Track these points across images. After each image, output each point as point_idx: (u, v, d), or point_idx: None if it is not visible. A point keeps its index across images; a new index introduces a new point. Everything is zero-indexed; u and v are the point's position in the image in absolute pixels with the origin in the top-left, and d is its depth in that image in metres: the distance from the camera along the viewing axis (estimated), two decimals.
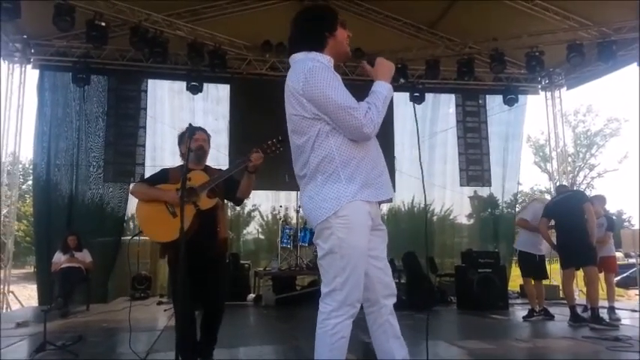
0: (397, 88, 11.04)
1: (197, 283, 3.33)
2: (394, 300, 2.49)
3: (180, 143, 3.60)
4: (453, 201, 11.01)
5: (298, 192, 10.26)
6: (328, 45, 2.42)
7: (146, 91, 9.53)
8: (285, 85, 2.39)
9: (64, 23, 7.60)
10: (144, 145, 9.32)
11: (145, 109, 9.45)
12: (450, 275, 8.80)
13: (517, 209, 11.07)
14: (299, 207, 9.39)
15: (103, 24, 8.01)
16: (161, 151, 9.47)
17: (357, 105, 2.28)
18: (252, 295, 8.63)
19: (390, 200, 2.68)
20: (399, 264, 8.76)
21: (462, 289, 7.93)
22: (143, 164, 9.20)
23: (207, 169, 3.54)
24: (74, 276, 7.46)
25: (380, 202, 2.43)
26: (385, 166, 2.44)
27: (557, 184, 9.96)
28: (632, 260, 12.73)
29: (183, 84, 9.44)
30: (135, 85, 9.48)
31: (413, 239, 10.60)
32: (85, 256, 7.79)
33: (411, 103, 10.19)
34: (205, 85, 9.58)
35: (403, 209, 11.21)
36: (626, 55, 8.65)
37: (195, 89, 9.41)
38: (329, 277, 2.29)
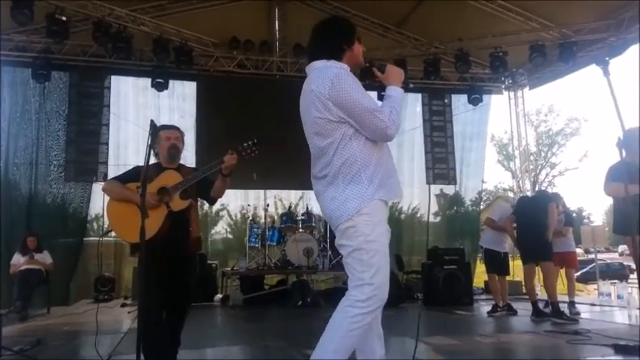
0: (365, 87, 11.17)
1: (165, 284, 3.26)
2: None
3: (153, 142, 3.51)
4: (420, 199, 11.16)
5: (267, 190, 10.21)
6: (345, 56, 2.56)
7: (109, 88, 9.30)
8: (307, 91, 2.47)
9: (22, 17, 7.36)
10: (107, 143, 9.09)
11: (109, 106, 9.22)
12: (416, 272, 8.91)
13: (481, 207, 11.30)
14: (267, 206, 9.37)
15: (64, 18, 7.79)
16: (125, 149, 9.26)
17: (381, 108, 2.40)
18: (219, 296, 8.54)
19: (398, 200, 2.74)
20: None
21: (428, 286, 8.03)
22: (106, 163, 8.97)
23: (181, 168, 3.47)
24: (34, 278, 7.24)
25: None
26: (395, 168, 2.60)
27: (537, 188, 10.17)
28: (592, 256, 13.17)
29: (148, 80, 9.25)
30: (98, 82, 9.23)
31: None
32: (45, 258, 7.56)
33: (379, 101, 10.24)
34: (171, 82, 9.41)
35: None
36: (586, 56, 8.91)
37: (160, 86, 9.23)
38: (356, 274, 2.36)
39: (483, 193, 12.70)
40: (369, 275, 2.33)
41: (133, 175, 3.41)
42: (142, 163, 3.60)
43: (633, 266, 7.38)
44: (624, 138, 2.56)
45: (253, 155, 3.32)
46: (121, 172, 3.60)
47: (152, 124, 2.98)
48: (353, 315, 2.31)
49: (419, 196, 11.09)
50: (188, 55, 8.95)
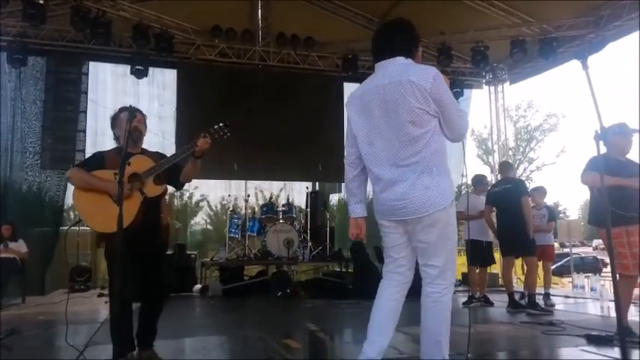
0: (348, 79, 11.16)
1: (139, 272, 3.22)
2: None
3: (113, 126, 3.40)
4: None
5: (248, 181, 10.14)
6: (415, 57, 2.72)
7: (87, 74, 9.12)
8: (404, 81, 2.52)
9: None
10: (84, 131, 8.93)
11: (86, 92, 9.05)
12: None
13: None
14: (248, 196, 9.31)
15: (41, 1, 7.62)
16: (102, 137, 9.06)
17: (463, 110, 2.71)
18: (198, 286, 8.48)
19: None
20: (347, 253, 8.88)
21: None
22: (83, 150, 8.81)
23: (144, 153, 3.37)
24: (8, 267, 7.14)
25: None
26: None
27: (503, 159, 10.23)
28: (567, 250, 13.44)
29: (127, 67, 9.09)
30: (75, 68, 9.04)
31: None
32: (20, 247, 7.44)
33: None
34: (151, 69, 9.26)
35: None
36: (565, 52, 9.02)
37: (139, 73, 9.07)
38: (441, 260, 2.62)
39: (463, 187, 12.82)
40: (452, 263, 2.67)
41: (97, 161, 3.29)
42: (106, 150, 3.52)
43: (607, 260, 7.52)
44: (602, 133, 2.59)
45: (225, 137, 3.28)
46: None
47: (130, 109, 2.91)
48: (448, 301, 2.67)
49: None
50: (168, 43, 8.82)
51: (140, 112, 3.39)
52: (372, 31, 9.75)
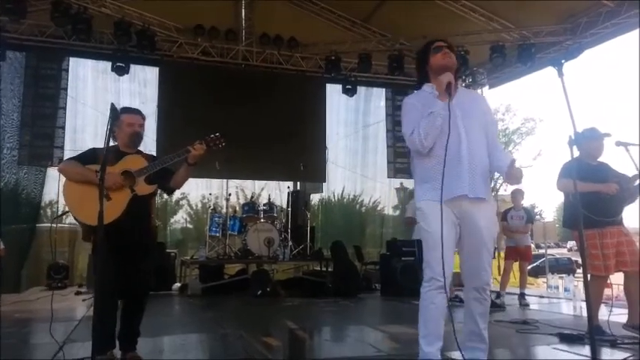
0: (330, 80, 11.24)
1: (124, 270, 3.20)
2: None
3: (113, 125, 3.43)
4: (382, 192, 11.33)
5: (229, 180, 10.11)
6: (420, 79, 3.14)
7: (67, 70, 9.00)
8: (480, 97, 3.30)
9: None
10: (63, 127, 8.80)
11: (66, 89, 8.93)
12: (375, 263, 9.06)
13: None
14: (229, 195, 9.30)
15: None
16: (82, 134, 9.01)
17: None
18: (177, 285, 8.45)
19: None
20: (327, 253, 8.93)
21: (385, 277, 8.19)
22: (62, 147, 8.70)
23: (140, 154, 3.41)
24: None
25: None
26: None
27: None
28: (542, 251, 13.70)
29: (108, 64, 8.99)
30: (55, 64, 8.91)
31: (342, 229, 10.85)
32: None
33: (344, 94, 10.38)
34: (132, 66, 9.18)
35: (333, 200, 11.40)
36: (543, 58, 9.19)
37: (121, 70, 8.98)
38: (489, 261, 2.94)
39: None
40: (425, 260, 2.93)
41: (90, 157, 3.32)
42: (99, 147, 3.53)
43: (580, 261, 7.73)
44: (576, 137, 2.68)
45: (220, 147, 3.33)
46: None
47: (112, 107, 2.91)
48: (423, 295, 2.88)
49: (380, 190, 11.27)
50: (150, 40, 8.76)
51: (140, 113, 3.45)
52: (354, 34, 9.99)
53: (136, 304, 3.41)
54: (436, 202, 2.72)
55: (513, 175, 2.85)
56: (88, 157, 3.32)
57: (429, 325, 2.79)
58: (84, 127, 9.11)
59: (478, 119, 2.93)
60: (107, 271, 2.90)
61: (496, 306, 6.20)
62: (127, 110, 3.41)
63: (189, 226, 11.30)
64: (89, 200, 3.10)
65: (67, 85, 8.94)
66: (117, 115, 3.02)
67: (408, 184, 11.15)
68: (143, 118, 3.48)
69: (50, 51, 8.76)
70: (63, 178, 3.33)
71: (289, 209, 9.27)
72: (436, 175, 2.78)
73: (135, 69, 9.35)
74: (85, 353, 3.24)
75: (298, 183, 10.58)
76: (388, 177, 10.90)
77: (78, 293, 7.66)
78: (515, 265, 7.21)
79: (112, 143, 3.48)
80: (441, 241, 2.67)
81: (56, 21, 7.95)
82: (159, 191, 3.65)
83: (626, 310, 4.44)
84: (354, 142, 11.13)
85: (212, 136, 3.31)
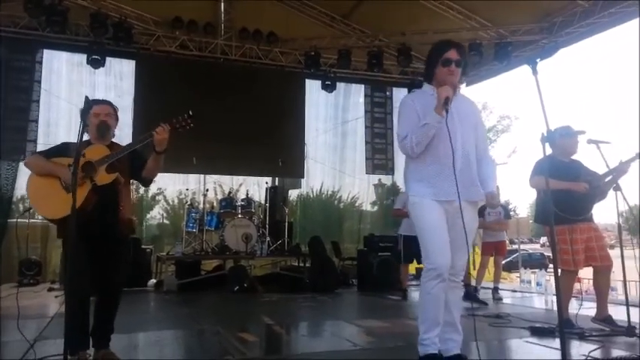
0: (310, 76, 11.21)
1: (96, 265, 3.13)
2: None
3: (84, 118, 3.36)
4: (360, 188, 11.37)
5: (207, 176, 10.02)
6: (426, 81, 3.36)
7: (41, 63, 8.77)
8: (474, 104, 3.36)
9: None
10: (36, 121, 8.59)
11: (40, 81, 8.70)
12: (352, 259, 9.11)
13: None
14: (206, 191, 9.24)
15: None
16: (56, 127, 8.81)
17: None
18: (153, 281, 8.36)
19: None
20: (305, 248, 8.95)
21: (362, 272, 8.25)
22: (35, 141, 8.49)
23: (113, 146, 3.31)
24: None
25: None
26: None
27: None
28: (516, 246, 13.95)
29: (84, 57, 8.80)
30: (29, 56, 8.66)
31: (320, 225, 10.87)
32: None
33: (324, 90, 10.38)
34: (108, 59, 8.99)
35: (312, 195, 11.41)
36: (519, 56, 9.32)
37: (96, 63, 8.81)
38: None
39: None
40: (424, 251, 3.01)
41: (60, 150, 3.26)
42: (73, 141, 3.46)
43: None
44: (549, 135, 2.73)
45: (188, 128, 3.23)
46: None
47: (87, 100, 2.87)
48: (423, 284, 3.02)
49: (359, 186, 11.32)
50: (127, 32, 8.62)
51: (110, 104, 3.36)
52: (334, 30, 9.99)
53: (110, 299, 3.33)
54: (429, 199, 2.95)
55: (490, 204, 3.32)
56: (58, 150, 3.26)
57: (427, 313, 2.94)
58: (58, 120, 8.91)
59: (472, 126, 3.11)
60: (78, 266, 2.82)
61: (480, 302, 6.31)
62: (95, 102, 3.33)
63: (166, 221, 11.18)
64: (48, 194, 3.07)
65: (40, 77, 8.71)
66: (89, 108, 2.96)
67: (386, 180, 11.23)
68: (113, 108, 3.38)
69: (24, 42, 8.52)
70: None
71: (267, 205, 9.26)
72: (431, 176, 2.98)
73: (111, 62, 9.18)
74: (57, 350, 3.18)
75: (277, 179, 10.57)
76: (366, 173, 10.95)
77: (50, 290, 7.52)
78: (491, 260, 7.33)
79: (67, 136, 3.42)
80: (437, 231, 2.89)
81: (30, 12, 7.77)
82: (133, 187, 3.58)
83: (594, 304, 4.56)
84: (333, 138, 11.14)
85: (179, 117, 3.22)
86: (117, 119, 3.42)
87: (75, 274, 2.76)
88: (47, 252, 8.88)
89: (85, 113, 3.03)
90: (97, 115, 3.26)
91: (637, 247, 4.50)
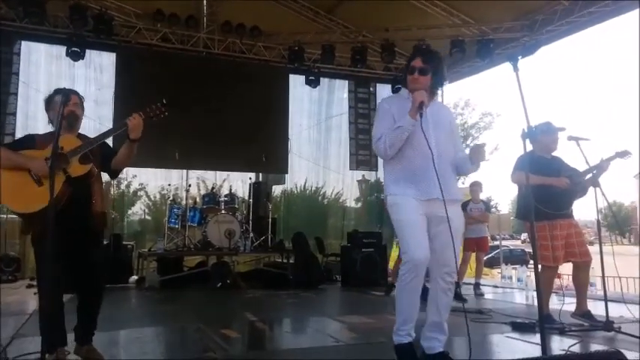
0: (294, 71, 11.17)
1: (71, 261, 3.04)
2: None
3: (47, 109, 3.23)
4: (344, 184, 11.39)
5: (190, 171, 9.93)
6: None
7: (19, 54, 8.59)
8: (447, 107, 3.60)
9: None
10: (14, 114, 8.41)
11: (18, 73, 8.51)
12: (336, 255, 9.12)
13: None
14: (189, 186, 9.14)
15: None
16: (34, 121, 8.59)
17: None
18: (134, 278, 8.25)
19: None
20: (288, 244, 8.93)
21: (346, 268, 8.27)
22: (13, 134, 8.31)
23: (81, 138, 3.19)
24: None
25: None
26: None
27: None
28: (497, 242, 14.11)
29: (63, 49, 8.64)
30: (6, 47, 8.45)
31: (304, 221, 10.86)
32: None
33: (307, 85, 10.35)
34: (88, 51, 8.84)
35: (296, 191, 11.39)
36: (501, 54, 9.40)
37: (76, 55, 8.65)
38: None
39: None
40: (401, 246, 3.05)
41: (24, 142, 3.13)
42: (39, 132, 3.35)
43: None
44: (530, 131, 2.76)
45: (163, 117, 3.17)
46: None
47: (65, 91, 2.79)
48: (400, 278, 3.05)
49: (343, 182, 11.32)
50: (108, 25, 8.47)
51: (77, 94, 3.23)
52: (318, 24, 9.95)
53: (92, 296, 3.25)
54: (410, 197, 3.00)
55: (476, 150, 3.11)
56: (23, 142, 3.14)
57: (403, 306, 3.03)
58: (36, 113, 8.69)
59: (446, 128, 3.17)
60: (51, 263, 2.66)
61: (459, 298, 6.34)
62: (59, 91, 3.20)
63: (148, 217, 11.06)
64: (16, 186, 2.94)
65: (18, 69, 8.53)
66: (68, 100, 2.87)
67: (370, 176, 11.25)
68: (80, 98, 3.25)
69: (1, 34, 8.31)
70: None
71: (251, 200, 9.20)
72: (409, 176, 3.05)
73: (91, 54, 9.01)
74: (35, 348, 3.12)
75: (260, 174, 10.51)
76: (350, 169, 10.95)
77: (30, 286, 7.38)
78: (473, 256, 7.41)
79: (47, 129, 3.30)
80: (415, 226, 2.94)
81: (7, 2, 7.61)
82: (114, 182, 3.51)
83: (574, 300, 4.62)
84: (317, 133, 11.12)
85: (152, 106, 3.15)
86: (83, 109, 3.29)
87: (48, 271, 2.68)
88: (26, 248, 8.70)
89: (48, 102, 2.94)
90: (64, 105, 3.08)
91: (615, 244, 4.58)
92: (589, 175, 4.47)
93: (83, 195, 3.10)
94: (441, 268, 3.04)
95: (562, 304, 4.31)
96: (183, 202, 8.83)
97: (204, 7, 9.61)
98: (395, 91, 10.84)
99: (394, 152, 3.04)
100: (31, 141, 3.14)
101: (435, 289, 3.09)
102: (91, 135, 3.32)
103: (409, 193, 3.02)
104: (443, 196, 2.84)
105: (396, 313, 3.06)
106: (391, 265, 9.88)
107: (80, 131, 3.30)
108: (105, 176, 3.45)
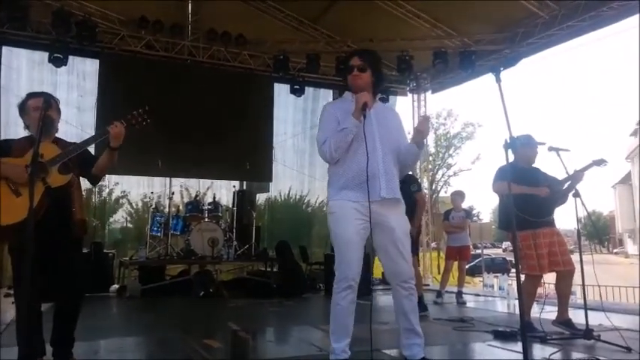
0: (278, 79, 11.18)
1: (49, 272, 2.94)
2: None
3: (21, 114, 3.12)
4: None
5: (173, 179, 9.87)
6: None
7: (0, 60, 8.48)
8: (394, 111, 3.64)
9: None
10: None
11: None
12: (320, 264, 9.10)
13: None
14: (172, 194, 9.08)
15: None
16: (15, 127, 8.32)
17: None
18: (115, 286, 8.12)
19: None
20: (272, 253, 8.89)
21: (330, 277, 8.21)
22: None
23: (59, 143, 3.11)
24: None
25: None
26: None
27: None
28: (479, 251, 14.22)
29: (45, 55, 8.54)
30: None
31: (287, 229, 10.83)
32: None
33: (292, 94, 10.37)
34: (71, 58, 8.75)
35: (280, 199, 11.37)
36: (483, 65, 9.53)
37: (58, 62, 8.55)
38: (408, 253, 3.15)
39: None
40: (336, 259, 3.16)
41: (1, 150, 2.99)
42: (11, 138, 3.28)
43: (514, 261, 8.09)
44: (512, 142, 2.80)
45: (145, 124, 3.13)
46: None
47: (45, 96, 2.73)
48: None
49: (327, 190, 11.30)
50: (91, 31, 8.40)
51: (52, 97, 3.10)
52: (303, 34, 10.00)
53: (69, 307, 3.12)
54: (348, 202, 2.99)
55: (419, 126, 3.17)
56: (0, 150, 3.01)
57: (337, 323, 3.06)
58: (17, 119, 8.47)
59: (392, 130, 3.19)
60: (28, 271, 2.47)
61: (423, 308, 6.35)
62: (32, 95, 3.12)
63: (129, 225, 10.92)
64: None
65: None
66: (49, 105, 2.80)
67: None
68: (55, 100, 3.14)
69: None
70: None
71: (235, 209, 9.16)
72: (350, 179, 3.02)
73: (74, 60, 8.94)
74: (13, 358, 3.06)
75: (244, 182, 10.48)
76: None
77: (7, 295, 7.21)
78: (455, 265, 7.46)
79: (25, 134, 3.20)
80: (350, 243, 2.98)
81: None
82: (96, 190, 3.45)
83: (555, 308, 4.68)
84: (301, 142, 11.15)
85: (134, 112, 3.11)
86: (59, 112, 3.19)
87: (26, 280, 2.56)
88: (4, 257, 8.53)
89: (21, 107, 2.87)
90: (36, 108, 2.96)
91: (595, 252, 4.66)
92: (566, 185, 4.56)
93: (63, 204, 3.01)
94: (397, 277, 3.09)
95: (541, 312, 4.35)
96: (166, 210, 8.76)
97: (189, 15, 9.60)
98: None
99: (340, 155, 3.03)
100: (5, 147, 3.03)
101: (397, 297, 3.12)
102: (72, 141, 3.25)
103: (351, 197, 3.00)
104: (383, 195, 2.94)
105: (331, 331, 3.07)
106: (376, 274, 9.91)
107: (63, 138, 3.23)
108: (85, 183, 3.39)
